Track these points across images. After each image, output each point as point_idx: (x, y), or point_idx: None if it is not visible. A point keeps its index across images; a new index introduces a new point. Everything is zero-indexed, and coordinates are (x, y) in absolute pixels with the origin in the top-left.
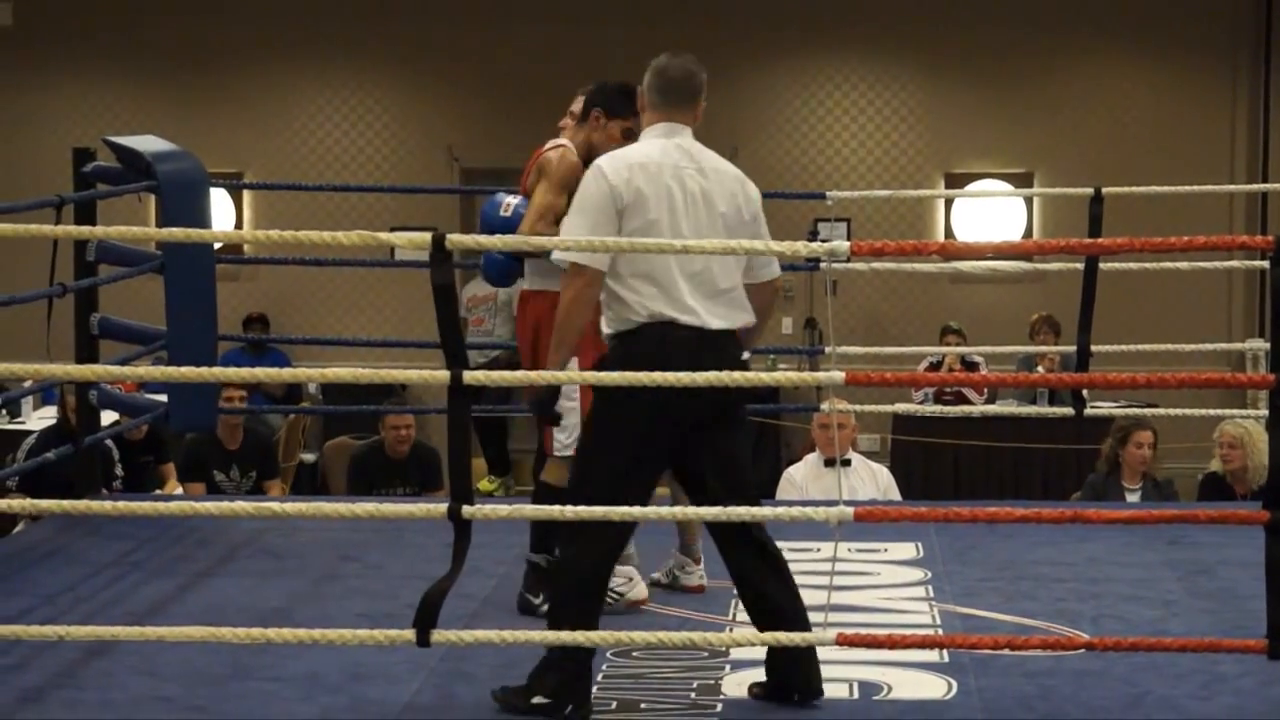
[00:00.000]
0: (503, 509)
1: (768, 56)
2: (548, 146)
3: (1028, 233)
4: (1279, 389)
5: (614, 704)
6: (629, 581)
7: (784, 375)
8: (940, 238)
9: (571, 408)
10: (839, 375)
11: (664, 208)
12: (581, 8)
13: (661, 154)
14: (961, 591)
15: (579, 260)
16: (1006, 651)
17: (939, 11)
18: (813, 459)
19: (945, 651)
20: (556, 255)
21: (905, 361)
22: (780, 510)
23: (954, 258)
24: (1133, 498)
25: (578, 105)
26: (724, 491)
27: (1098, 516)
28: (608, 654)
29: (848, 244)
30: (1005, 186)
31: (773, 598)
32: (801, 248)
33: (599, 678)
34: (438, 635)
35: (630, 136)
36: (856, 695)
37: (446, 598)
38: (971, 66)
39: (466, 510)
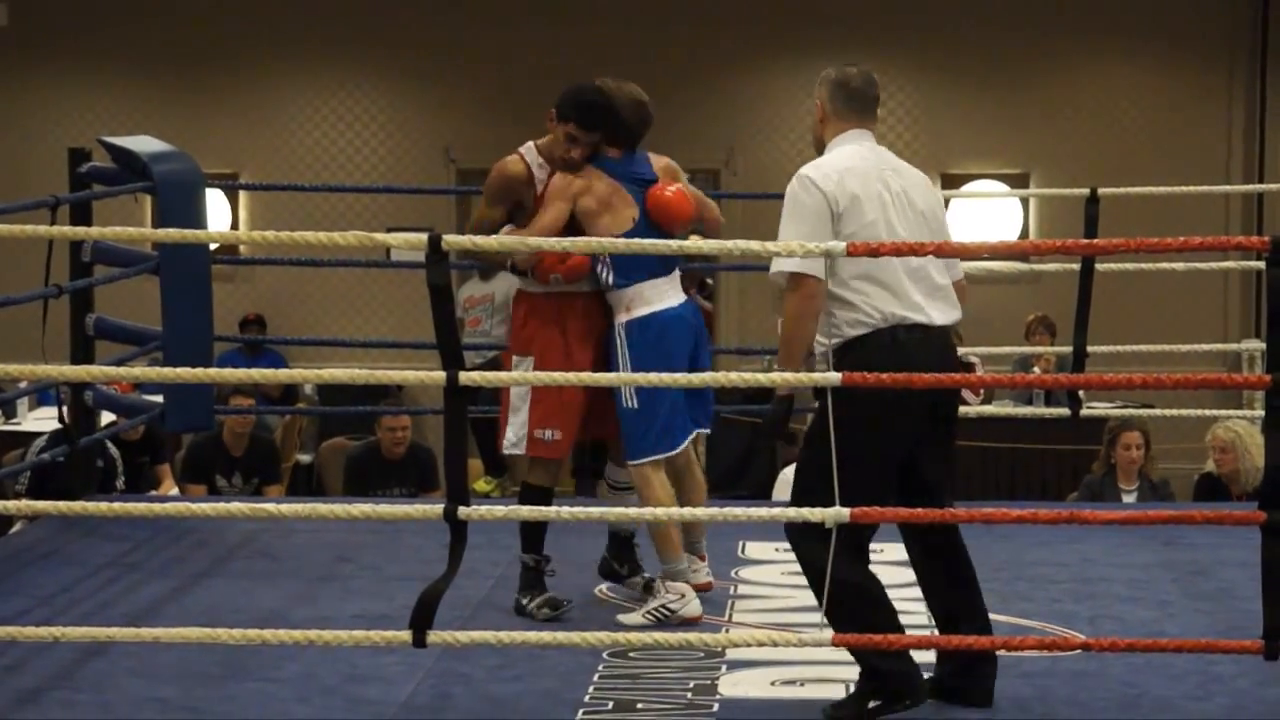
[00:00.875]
0: (499, 510)
1: (765, 58)
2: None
3: (1024, 233)
4: (1275, 389)
5: (610, 704)
6: (681, 598)
7: (780, 376)
8: None
9: (520, 408)
10: (835, 376)
11: (878, 209)
12: (579, 8)
13: (862, 158)
14: None
15: (799, 269)
16: (1002, 652)
17: (936, 12)
18: None
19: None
20: (775, 266)
21: None
22: (777, 511)
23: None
24: (1129, 498)
25: None
26: (940, 490)
27: (1094, 517)
28: (604, 654)
29: (844, 244)
30: (1001, 187)
31: (956, 605)
32: (798, 248)
33: (594, 678)
34: (434, 636)
35: (573, 143)
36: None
37: (443, 599)
38: (968, 67)
39: (462, 511)
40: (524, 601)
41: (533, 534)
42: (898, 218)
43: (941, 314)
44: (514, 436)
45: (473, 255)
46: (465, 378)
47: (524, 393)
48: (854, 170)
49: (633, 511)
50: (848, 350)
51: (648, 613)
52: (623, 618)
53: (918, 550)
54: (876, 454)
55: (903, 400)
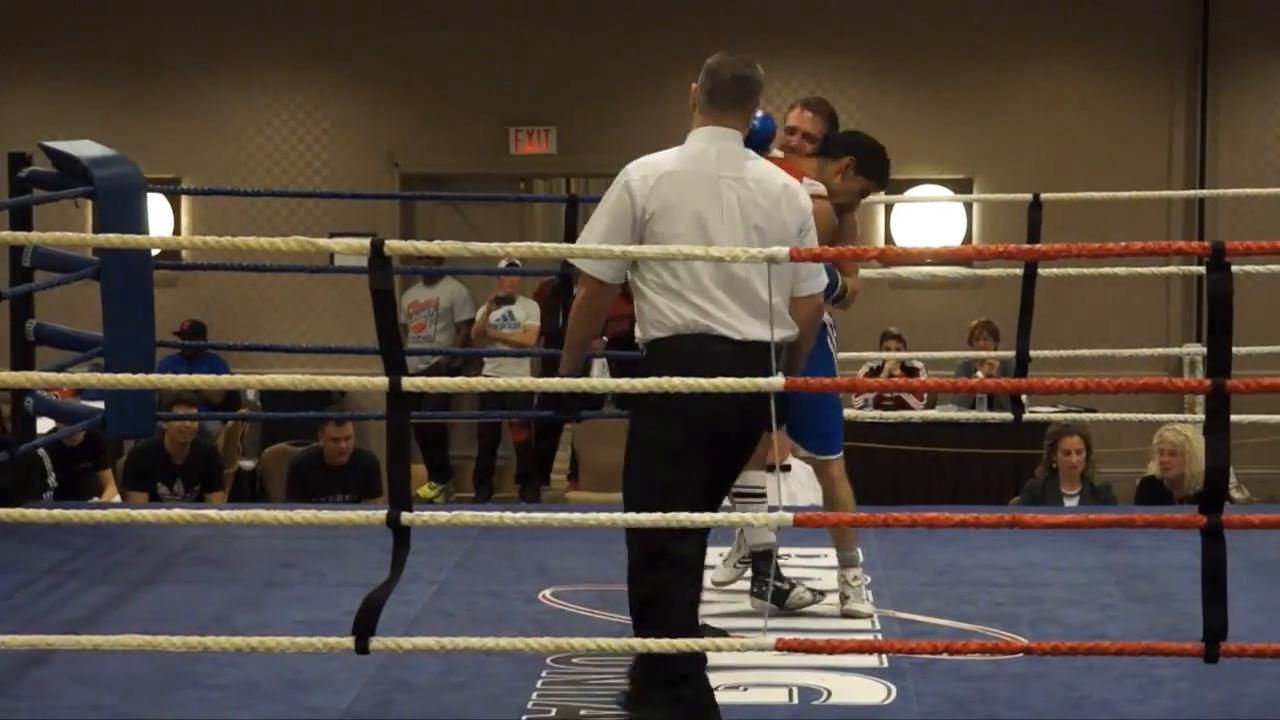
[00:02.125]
0: (442, 516)
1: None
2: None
3: (967, 238)
4: (1215, 393)
5: (554, 710)
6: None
7: (724, 381)
8: (880, 243)
9: None
10: (779, 380)
11: (691, 221)
12: (524, 13)
13: (699, 161)
14: (901, 596)
15: (589, 269)
16: (945, 656)
17: (880, 17)
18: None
19: (884, 656)
20: (577, 262)
21: (845, 367)
22: (720, 516)
23: (894, 263)
24: (1071, 502)
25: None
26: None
27: (1035, 521)
28: (548, 661)
29: (787, 249)
30: (945, 192)
31: None
32: (741, 253)
33: (538, 684)
34: (376, 643)
35: (861, 196)
36: (796, 700)
37: (385, 605)
38: (911, 72)
39: (405, 517)
40: (784, 587)
41: None
42: (720, 230)
43: (756, 329)
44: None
45: None
46: (408, 383)
47: None
48: (678, 175)
49: (602, 517)
50: (651, 350)
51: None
52: (849, 607)
53: None
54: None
55: (695, 413)
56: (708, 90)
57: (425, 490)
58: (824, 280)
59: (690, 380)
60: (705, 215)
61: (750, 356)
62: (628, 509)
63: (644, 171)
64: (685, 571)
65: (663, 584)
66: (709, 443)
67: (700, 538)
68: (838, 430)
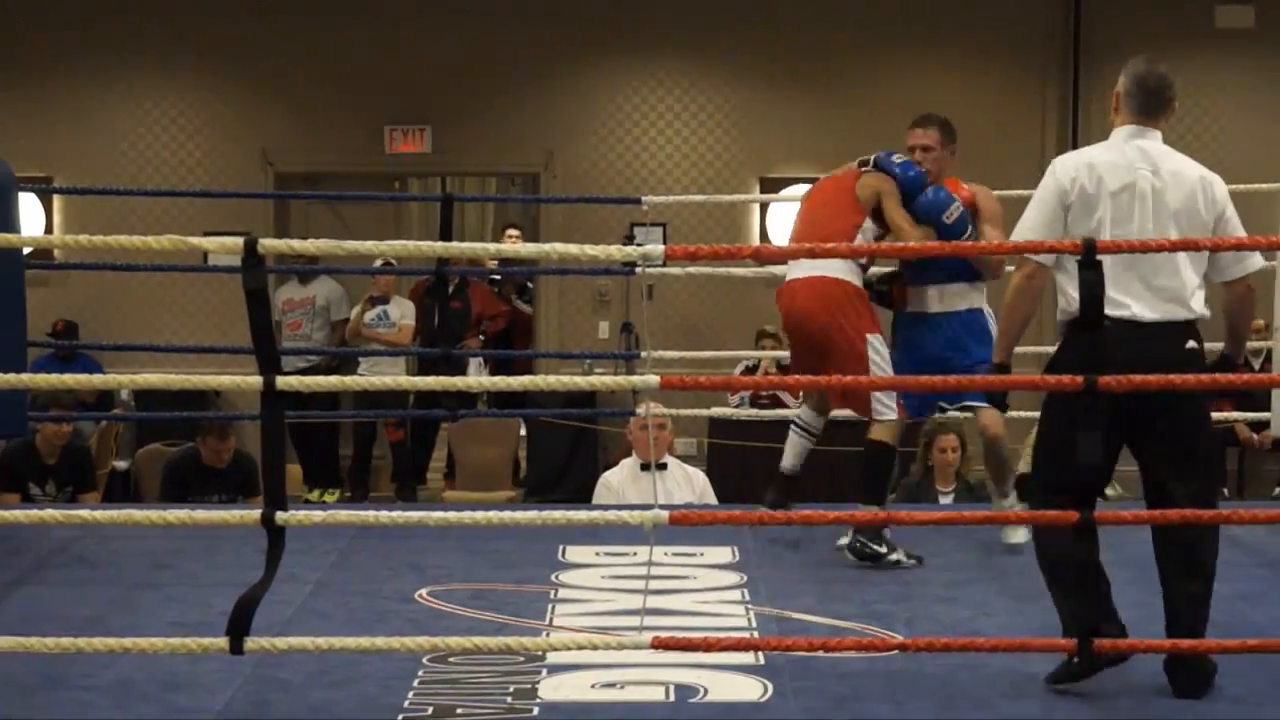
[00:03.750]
0: (317, 515)
1: (582, 61)
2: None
3: None
4: (1088, 390)
5: (430, 709)
6: None
7: (600, 379)
8: (755, 241)
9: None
10: (654, 379)
11: (1107, 207)
12: (399, 12)
13: (1118, 155)
14: (777, 594)
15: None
16: (821, 653)
17: (753, 15)
18: (629, 463)
19: (761, 654)
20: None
21: (721, 365)
22: (596, 514)
23: (768, 261)
24: (946, 500)
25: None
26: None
27: (910, 518)
28: (424, 660)
29: (662, 248)
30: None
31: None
32: (616, 252)
33: (414, 683)
34: (251, 643)
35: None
36: (673, 698)
37: (261, 605)
38: (786, 70)
39: (280, 517)
40: (881, 550)
41: (876, 488)
42: (1135, 218)
43: (1154, 311)
44: (889, 401)
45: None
46: (282, 382)
47: (886, 366)
48: (1095, 166)
49: (557, 516)
50: (1068, 329)
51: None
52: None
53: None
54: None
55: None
56: (1135, 95)
57: (326, 497)
58: (1253, 264)
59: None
60: (1121, 204)
61: (1150, 336)
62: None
63: (1067, 163)
64: None
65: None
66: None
67: None
68: None
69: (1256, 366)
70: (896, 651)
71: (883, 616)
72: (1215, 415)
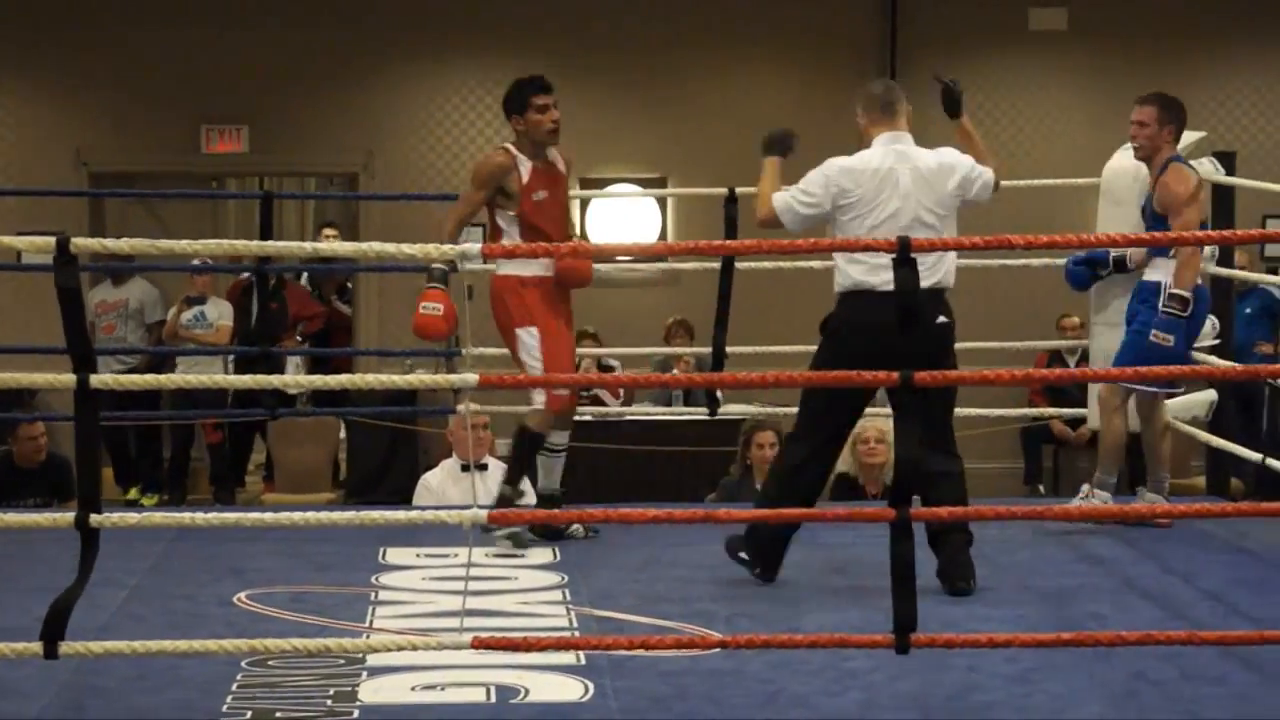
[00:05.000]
0: (132, 517)
1: (401, 60)
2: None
3: (663, 236)
4: (904, 387)
5: (249, 714)
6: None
7: (419, 378)
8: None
9: (536, 368)
10: (473, 378)
11: (872, 199)
12: (214, 9)
13: (879, 155)
14: (598, 594)
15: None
16: (642, 652)
17: (572, 17)
18: (449, 463)
19: (582, 654)
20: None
21: None
22: (415, 514)
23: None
24: None
25: None
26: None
27: (729, 517)
28: (242, 663)
29: (480, 246)
30: (639, 190)
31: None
32: (434, 250)
33: (233, 687)
34: (66, 648)
35: (543, 111)
36: (493, 699)
37: (76, 609)
38: (605, 71)
39: (94, 519)
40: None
41: (516, 471)
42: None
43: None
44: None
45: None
46: (96, 381)
47: (538, 358)
48: (852, 170)
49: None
50: None
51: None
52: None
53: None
54: None
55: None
56: (879, 106)
57: (145, 501)
58: (989, 175)
59: None
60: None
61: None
62: None
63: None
64: None
65: None
66: None
67: None
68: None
69: (1072, 363)
70: (717, 650)
71: (703, 615)
72: (1031, 411)
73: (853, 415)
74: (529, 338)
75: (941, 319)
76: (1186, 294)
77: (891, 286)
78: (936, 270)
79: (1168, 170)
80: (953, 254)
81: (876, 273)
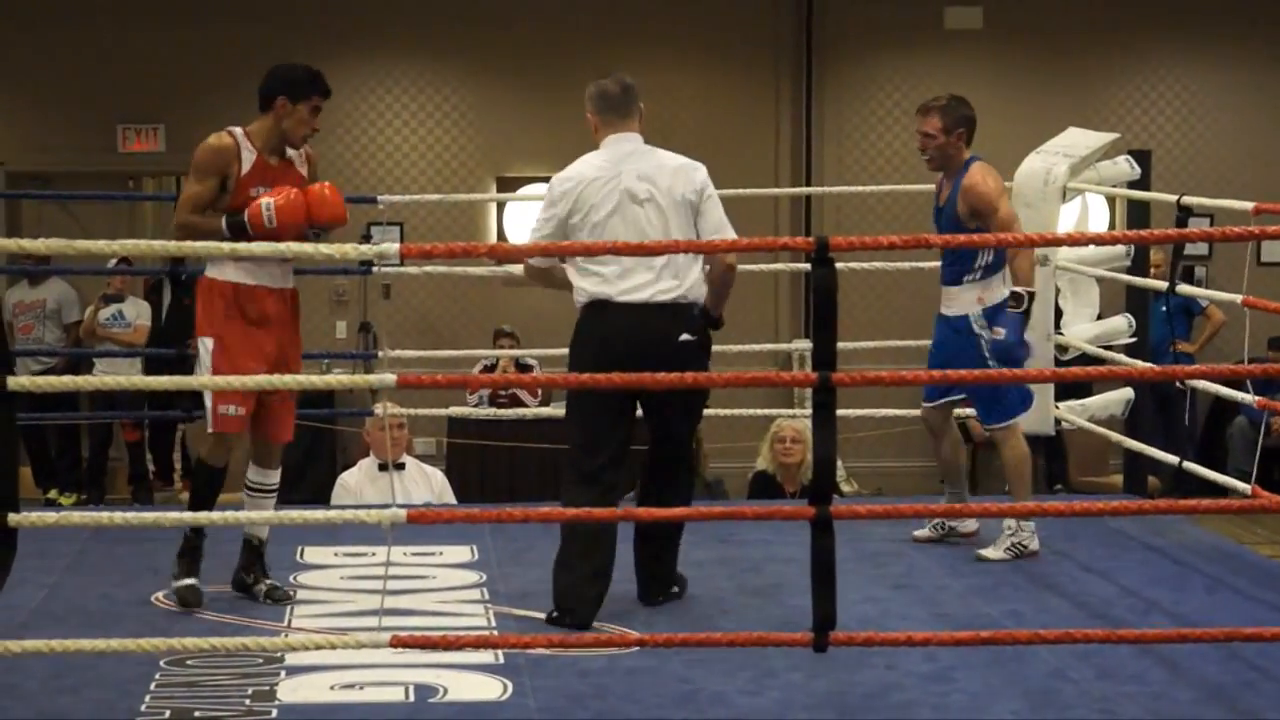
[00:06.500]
0: (50, 517)
1: (317, 59)
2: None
3: None
4: (821, 386)
5: (167, 713)
6: (1032, 534)
7: (337, 379)
8: (493, 240)
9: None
10: (391, 378)
11: (598, 208)
12: (129, 8)
13: (605, 160)
14: (517, 593)
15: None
16: (560, 651)
17: (488, 14)
18: (367, 463)
19: (500, 653)
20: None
21: (459, 364)
22: (333, 514)
23: (505, 260)
24: None
25: None
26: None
27: (648, 514)
28: (161, 663)
29: (398, 246)
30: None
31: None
32: (351, 251)
33: (151, 686)
34: None
35: (315, 114)
36: (412, 698)
37: None
38: (521, 69)
39: (12, 519)
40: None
41: (200, 507)
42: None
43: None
44: (204, 413)
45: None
46: (13, 383)
47: (207, 371)
48: (571, 178)
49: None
50: None
51: (1006, 549)
52: (983, 552)
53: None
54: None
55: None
56: (602, 107)
57: (64, 501)
58: (728, 232)
59: None
60: (602, 207)
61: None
62: None
63: (558, 179)
64: None
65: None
66: None
67: None
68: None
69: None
70: (636, 649)
71: (621, 615)
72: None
73: (616, 428)
74: (205, 347)
75: (685, 336)
76: (1024, 291)
77: (627, 298)
78: (669, 281)
79: (971, 170)
80: (696, 266)
81: (611, 283)
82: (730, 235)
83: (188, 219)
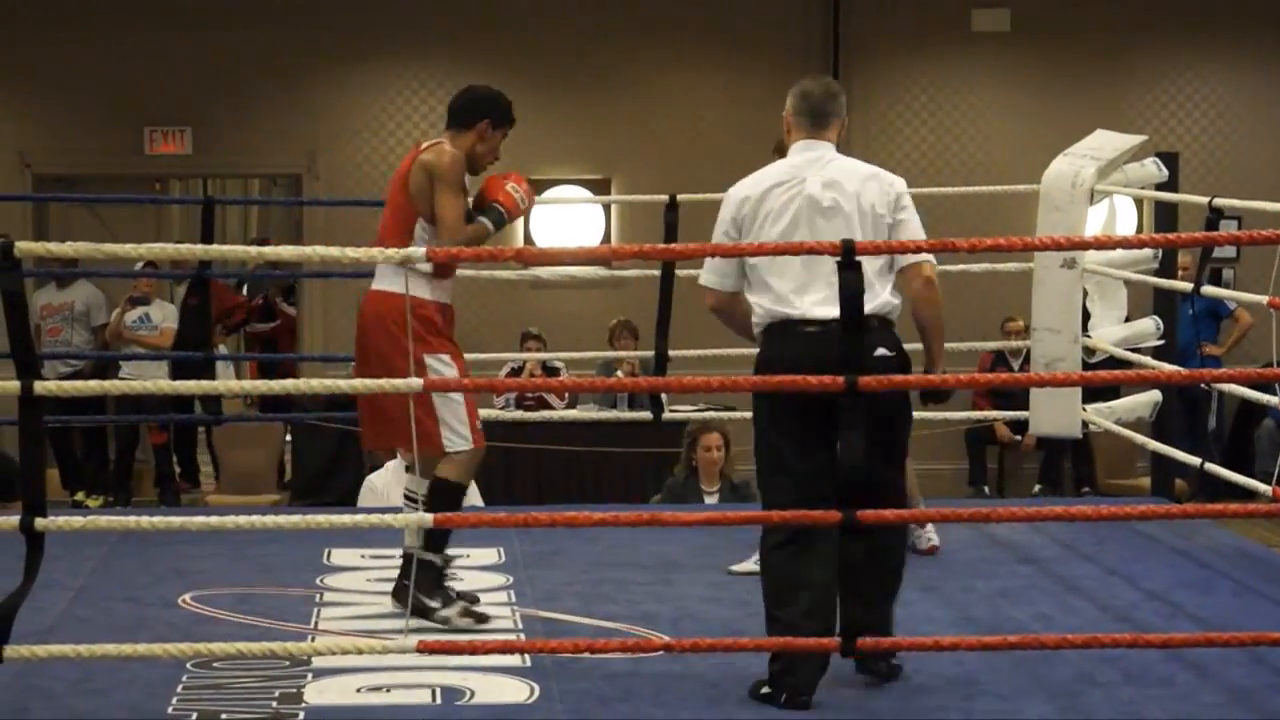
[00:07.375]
0: (77, 520)
1: (344, 62)
2: (424, 146)
3: (606, 238)
4: (848, 390)
5: (194, 715)
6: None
7: (362, 383)
8: (519, 243)
9: (451, 403)
10: (418, 382)
11: (777, 219)
12: (157, 12)
13: (788, 169)
14: (543, 596)
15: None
16: (587, 655)
17: (514, 16)
18: (394, 465)
19: (527, 656)
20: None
21: (486, 367)
22: (360, 517)
23: (532, 263)
24: (711, 500)
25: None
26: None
27: (675, 519)
28: (188, 665)
29: (424, 250)
30: (583, 193)
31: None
32: (378, 254)
33: (179, 689)
34: (11, 651)
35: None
36: (439, 701)
37: (21, 612)
38: (549, 72)
39: (39, 522)
40: (434, 605)
41: (440, 534)
42: (803, 227)
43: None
44: (462, 430)
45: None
46: (40, 387)
47: (455, 395)
48: (753, 186)
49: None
50: None
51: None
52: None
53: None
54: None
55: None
56: (802, 111)
57: (91, 503)
58: (923, 255)
59: None
60: (786, 217)
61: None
62: None
63: (735, 189)
64: None
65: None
66: None
67: None
68: None
69: (1016, 367)
70: (662, 652)
71: (648, 618)
72: (975, 414)
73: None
74: (442, 365)
75: (881, 351)
76: None
77: (811, 314)
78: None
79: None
80: (887, 281)
81: (788, 301)
82: (926, 257)
83: (463, 232)
